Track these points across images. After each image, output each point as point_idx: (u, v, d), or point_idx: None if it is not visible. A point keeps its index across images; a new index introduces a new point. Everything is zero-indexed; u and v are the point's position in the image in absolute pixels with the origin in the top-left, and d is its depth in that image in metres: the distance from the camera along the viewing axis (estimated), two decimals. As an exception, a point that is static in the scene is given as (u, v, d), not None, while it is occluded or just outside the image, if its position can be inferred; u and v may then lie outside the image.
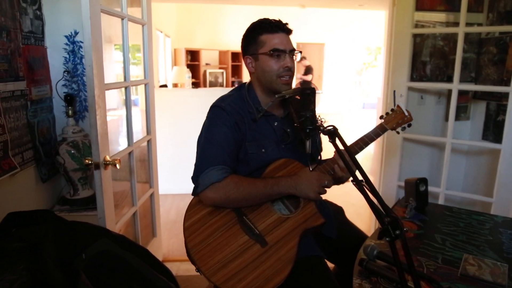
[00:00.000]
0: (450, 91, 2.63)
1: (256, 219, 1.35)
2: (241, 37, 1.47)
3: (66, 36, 2.01)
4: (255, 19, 1.44)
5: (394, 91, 1.64)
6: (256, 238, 1.31)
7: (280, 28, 1.39)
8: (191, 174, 1.41)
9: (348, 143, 1.27)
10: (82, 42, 1.99)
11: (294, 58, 1.42)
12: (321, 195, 1.38)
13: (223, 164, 1.34)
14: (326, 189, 1.37)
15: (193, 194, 1.39)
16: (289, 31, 1.42)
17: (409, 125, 1.52)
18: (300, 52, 1.47)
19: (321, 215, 1.38)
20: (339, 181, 1.46)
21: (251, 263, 1.27)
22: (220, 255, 1.28)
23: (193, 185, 1.39)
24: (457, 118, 2.77)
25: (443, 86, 2.83)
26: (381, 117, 1.52)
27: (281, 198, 1.43)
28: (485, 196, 2.59)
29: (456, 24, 2.63)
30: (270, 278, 1.24)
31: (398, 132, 1.54)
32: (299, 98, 1.23)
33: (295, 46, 1.43)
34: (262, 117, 1.44)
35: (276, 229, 1.33)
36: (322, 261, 1.40)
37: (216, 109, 1.43)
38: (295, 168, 1.43)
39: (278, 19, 1.41)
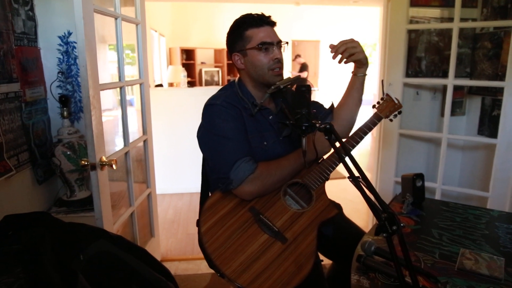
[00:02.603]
0: (445, 87, 2.64)
1: (272, 216, 1.35)
2: (226, 37, 1.47)
3: (59, 37, 1.99)
4: None
5: (382, 81, 1.71)
6: (276, 236, 1.31)
7: (264, 21, 1.39)
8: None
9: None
10: (75, 43, 1.98)
11: (282, 50, 1.43)
12: None
13: (247, 155, 1.33)
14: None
15: (222, 191, 1.35)
16: (273, 24, 1.42)
17: (399, 112, 1.57)
18: (287, 43, 1.47)
19: (335, 206, 1.40)
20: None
21: (274, 261, 1.27)
22: (242, 257, 1.27)
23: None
24: (453, 113, 2.78)
25: (438, 81, 2.84)
26: (373, 107, 1.56)
27: (291, 194, 1.44)
28: (481, 191, 2.61)
29: (450, 19, 2.64)
30: (295, 273, 1.25)
31: (391, 120, 1.58)
32: (294, 94, 1.23)
33: (290, 43, 1.43)
34: (258, 111, 1.44)
35: (294, 225, 1.34)
36: (317, 270, 1.39)
37: (212, 107, 1.40)
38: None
39: (261, 13, 1.41)
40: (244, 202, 1.36)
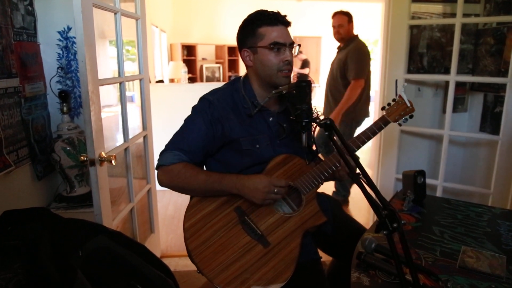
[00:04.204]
0: (447, 83, 2.62)
1: (257, 219, 1.33)
2: (237, 31, 1.43)
3: (59, 32, 1.98)
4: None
5: (396, 80, 1.56)
6: (258, 239, 1.29)
7: (279, 20, 1.35)
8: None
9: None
10: (75, 38, 1.96)
11: (293, 52, 1.39)
12: (276, 197, 1.30)
13: (179, 151, 1.35)
14: (278, 196, 1.29)
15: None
16: (288, 24, 1.38)
17: (411, 116, 1.46)
18: (299, 45, 1.43)
19: (323, 214, 1.36)
20: (340, 179, 1.44)
21: (253, 264, 1.25)
22: (222, 257, 1.26)
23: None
24: (455, 110, 2.76)
25: (440, 77, 2.82)
26: (382, 109, 1.47)
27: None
28: (483, 188, 2.60)
29: (453, 15, 2.61)
30: (273, 279, 1.24)
31: (400, 124, 1.48)
32: (295, 91, 1.21)
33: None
34: (257, 112, 1.41)
35: (278, 229, 1.32)
36: (316, 267, 1.39)
37: (203, 101, 1.43)
38: (296, 164, 1.40)
39: (277, 11, 1.37)
40: (230, 201, 1.35)
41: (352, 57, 3.21)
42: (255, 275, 1.24)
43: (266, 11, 1.37)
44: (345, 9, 3.52)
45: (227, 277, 1.23)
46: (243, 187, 1.29)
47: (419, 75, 2.82)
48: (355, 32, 3.45)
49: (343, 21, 3.36)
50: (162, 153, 1.39)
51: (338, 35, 3.41)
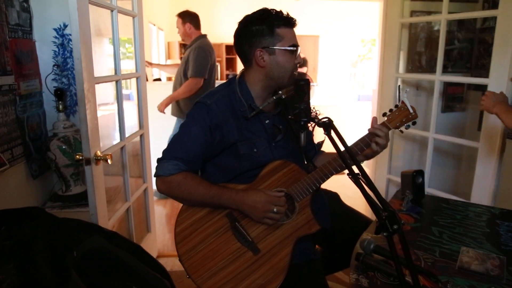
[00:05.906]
0: (445, 83, 2.61)
1: (249, 225, 1.31)
2: (243, 28, 1.36)
3: (55, 29, 1.96)
4: (249, 11, 1.36)
5: (399, 86, 1.54)
6: (248, 245, 1.28)
7: (293, 23, 1.35)
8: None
9: (344, 136, 1.24)
10: (71, 35, 1.94)
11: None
12: (272, 219, 1.29)
13: (178, 161, 1.32)
14: (276, 216, 1.28)
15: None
16: (295, 26, 1.39)
17: (414, 123, 1.40)
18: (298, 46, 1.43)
19: (317, 222, 1.33)
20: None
21: (242, 271, 1.25)
22: (211, 263, 1.26)
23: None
24: (452, 109, 2.76)
25: (425, 77, 2.78)
26: (384, 115, 1.41)
27: None
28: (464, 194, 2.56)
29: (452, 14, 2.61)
30: (261, 287, 1.23)
31: (401, 131, 1.44)
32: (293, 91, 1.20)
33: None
34: (254, 115, 1.37)
35: (269, 236, 1.30)
36: (315, 268, 1.36)
37: (200, 105, 1.37)
38: (292, 170, 1.37)
39: (287, 13, 1.36)
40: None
41: (192, 55, 3.26)
42: (244, 282, 1.23)
43: (279, 11, 1.35)
44: (191, 9, 3.50)
45: (215, 283, 1.23)
46: (242, 203, 1.28)
47: (409, 74, 2.80)
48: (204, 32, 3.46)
49: (178, 24, 3.39)
50: (160, 162, 1.35)
51: (181, 37, 3.48)
